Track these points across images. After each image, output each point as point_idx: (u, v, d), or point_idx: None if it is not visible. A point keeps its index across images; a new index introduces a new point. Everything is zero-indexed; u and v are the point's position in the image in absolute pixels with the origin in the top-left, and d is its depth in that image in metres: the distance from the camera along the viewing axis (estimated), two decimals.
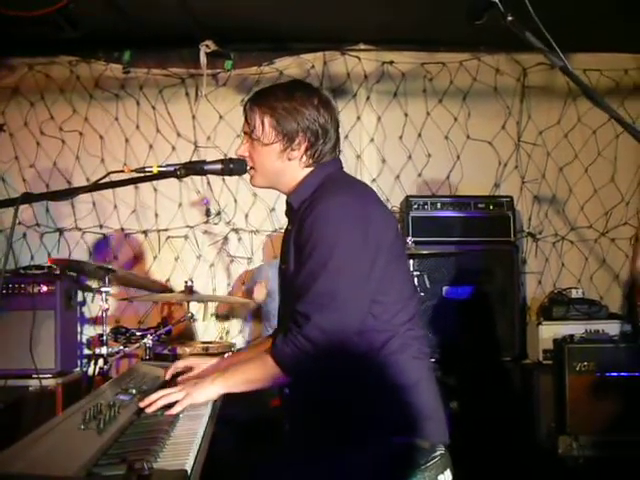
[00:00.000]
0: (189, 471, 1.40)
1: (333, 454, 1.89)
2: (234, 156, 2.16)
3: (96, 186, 1.87)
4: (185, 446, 1.58)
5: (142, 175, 1.94)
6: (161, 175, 1.96)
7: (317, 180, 2.07)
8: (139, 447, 1.53)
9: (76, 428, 1.62)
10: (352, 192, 2.01)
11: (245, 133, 2.13)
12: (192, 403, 1.93)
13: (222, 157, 2.13)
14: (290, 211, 2.15)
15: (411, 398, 1.94)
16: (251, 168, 2.12)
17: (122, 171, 1.93)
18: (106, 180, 1.87)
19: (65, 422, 1.69)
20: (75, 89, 5.07)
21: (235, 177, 4.89)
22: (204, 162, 2.04)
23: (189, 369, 2.30)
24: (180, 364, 2.34)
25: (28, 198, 1.72)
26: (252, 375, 1.98)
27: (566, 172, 5.24)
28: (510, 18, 1.71)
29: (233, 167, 2.07)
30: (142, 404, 1.91)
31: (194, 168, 2.01)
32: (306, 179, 2.09)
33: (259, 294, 4.42)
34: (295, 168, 2.09)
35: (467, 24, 1.91)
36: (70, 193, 1.98)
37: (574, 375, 4.17)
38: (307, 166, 2.09)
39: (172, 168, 1.97)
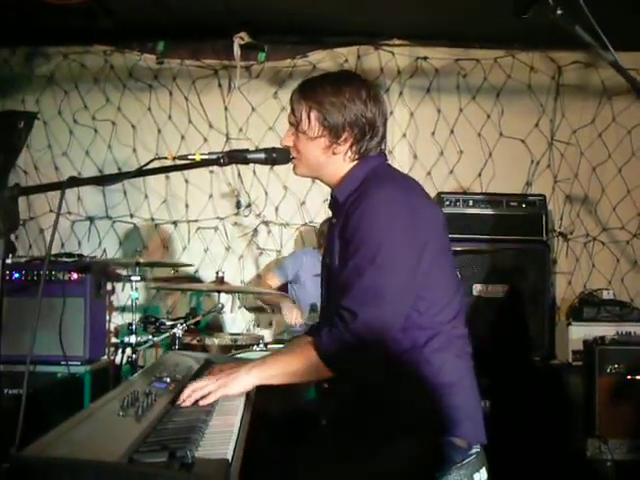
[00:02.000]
0: (230, 460, 1.40)
1: (376, 444, 1.88)
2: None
3: (140, 172, 1.86)
4: (224, 435, 1.57)
5: (184, 163, 1.94)
6: (204, 163, 1.95)
7: (362, 174, 2.05)
8: (179, 435, 1.53)
9: (115, 414, 1.62)
10: (399, 186, 2.00)
11: (290, 123, 2.11)
12: (226, 394, 1.90)
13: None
14: (335, 205, 2.13)
15: (452, 397, 1.93)
16: (295, 158, 2.11)
17: (166, 158, 1.93)
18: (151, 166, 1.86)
19: (103, 408, 1.69)
20: (109, 79, 5.10)
21: (266, 169, 4.94)
22: (247, 151, 2.03)
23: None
24: (216, 370, 2.22)
25: (75, 182, 1.72)
26: (292, 368, 1.95)
27: (599, 172, 5.17)
28: (560, 12, 1.68)
29: (276, 157, 2.05)
30: (178, 402, 1.85)
31: (237, 157, 2.00)
32: (351, 173, 2.07)
33: (294, 318, 4.34)
34: (340, 162, 2.07)
35: (509, 17, 1.89)
36: (116, 178, 1.98)
37: (604, 377, 4.11)
38: (352, 160, 2.07)
39: (215, 156, 1.96)
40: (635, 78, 1.58)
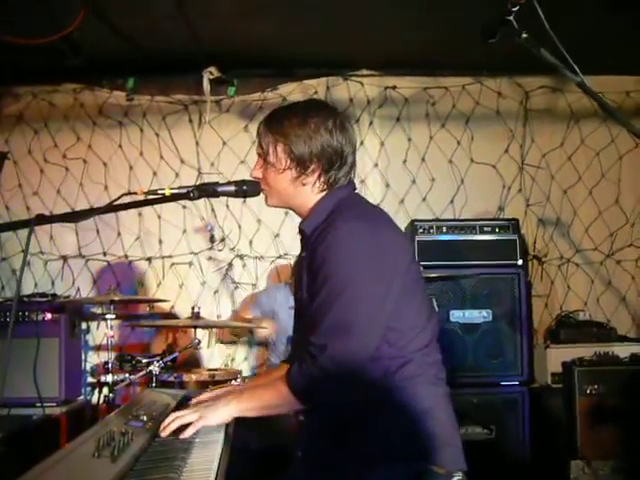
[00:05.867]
0: None
1: (352, 475, 1.86)
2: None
3: (111, 208, 1.85)
4: (203, 473, 1.55)
5: (155, 197, 1.93)
6: (174, 197, 1.94)
7: (329, 206, 2.04)
8: (155, 475, 1.50)
9: (89, 456, 1.58)
10: (364, 218, 1.99)
11: (259, 155, 2.11)
12: (205, 425, 1.91)
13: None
14: (303, 237, 2.12)
15: (426, 424, 1.92)
16: (265, 189, 2.10)
17: (135, 193, 1.92)
18: (120, 202, 1.85)
19: (77, 450, 1.64)
20: (79, 116, 5.08)
21: (239, 203, 4.93)
22: (217, 184, 2.03)
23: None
24: (194, 402, 2.24)
25: (43, 220, 1.69)
26: (267, 401, 1.97)
27: (570, 194, 5.23)
28: (525, 35, 1.71)
29: (247, 189, 2.05)
30: (159, 431, 1.89)
31: (207, 190, 1.99)
32: (318, 205, 2.06)
33: (268, 330, 4.38)
34: (308, 193, 2.07)
35: (477, 45, 1.91)
36: (85, 214, 1.95)
37: (584, 398, 4.11)
38: (321, 191, 2.06)
39: (185, 190, 1.96)
40: (602, 97, 1.59)
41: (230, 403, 1.96)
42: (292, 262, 4.99)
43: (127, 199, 1.88)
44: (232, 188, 2.05)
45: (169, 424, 1.91)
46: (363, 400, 1.92)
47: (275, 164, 2.04)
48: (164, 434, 1.89)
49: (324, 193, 2.07)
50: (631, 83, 5.20)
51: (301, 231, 2.12)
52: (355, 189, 2.14)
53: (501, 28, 1.73)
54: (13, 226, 1.78)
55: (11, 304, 4.52)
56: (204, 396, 2.25)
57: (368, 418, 1.93)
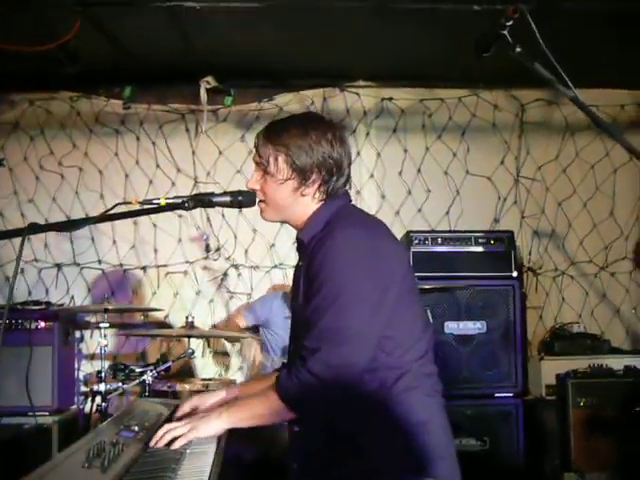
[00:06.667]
0: None
1: None
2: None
3: (104, 217, 1.84)
4: None
5: (150, 207, 1.93)
6: (169, 207, 1.94)
7: (327, 215, 2.04)
8: None
9: (79, 467, 1.57)
10: (362, 226, 2.00)
11: (257, 164, 2.10)
12: (197, 437, 1.90)
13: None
14: (300, 247, 2.12)
15: (422, 437, 1.91)
16: (261, 201, 2.10)
17: (130, 203, 1.92)
18: (114, 211, 1.85)
19: (67, 460, 1.64)
20: (75, 124, 5.08)
21: (235, 212, 4.92)
22: (213, 194, 2.02)
23: (196, 408, 2.22)
24: (186, 406, 2.23)
25: (35, 228, 1.69)
26: (257, 410, 1.95)
27: (565, 207, 5.25)
28: (518, 49, 1.72)
29: (242, 199, 2.04)
30: (151, 443, 1.87)
31: (202, 200, 1.99)
32: (316, 214, 2.06)
33: (255, 355, 4.40)
34: (307, 203, 2.07)
35: (473, 58, 1.92)
36: (78, 224, 1.95)
37: (578, 411, 4.12)
38: (319, 201, 2.07)
39: (180, 200, 1.96)
40: (594, 112, 1.60)
41: (222, 415, 1.95)
42: (287, 272, 5.00)
43: (122, 208, 1.88)
44: (227, 199, 2.04)
45: (161, 437, 1.89)
46: (357, 412, 1.91)
47: (276, 175, 2.04)
48: (156, 446, 1.87)
49: (322, 203, 2.07)
50: (626, 97, 5.23)
51: (299, 240, 2.12)
52: (351, 200, 2.15)
53: (495, 42, 1.74)
54: (6, 234, 1.78)
55: (3, 312, 4.50)
56: (186, 406, 2.23)
57: (363, 431, 1.92)
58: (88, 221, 1.91)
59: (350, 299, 1.86)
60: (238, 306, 5.07)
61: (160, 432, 1.91)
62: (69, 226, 1.90)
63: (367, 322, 1.87)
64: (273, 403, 1.91)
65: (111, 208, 1.86)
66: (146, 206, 1.95)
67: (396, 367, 1.93)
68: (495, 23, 1.72)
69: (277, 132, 2.06)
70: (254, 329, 4.65)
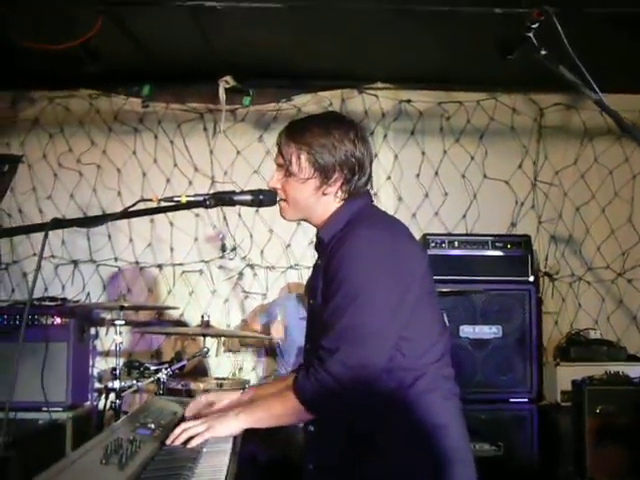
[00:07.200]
0: None
1: None
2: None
3: (126, 214, 1.85)
4: None
5: (170, 204, 1.93)
6: (189, 205, 1.94)
7: (348, 214, 2.04)
8: None
9: (97, 463, 1.58)
10: (382, 226, 1.99)
11: (278, 165, 2.09)
12: (214, 436, 1.90)
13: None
14: (320, 245, 2.11)
15: (440, 440, 1.90)
16: (282, 200, 2.09)
17: (150, 200, 1.92)
18: (136, 208, 1.85)
19: (85, 456, 1.64)
20: (94, 122, 5.10)
21: (251, 212, 4.93)
22: (234, 192, 2.02)
23: (211, 404, 2.24)
24: (203, 399, 2.26)
25: (58, 224, 1.69)
26: (275, 411, 1.95)
27: (583, 212, 5.21)
28: (544, 52, 1.70)
29: (263, 198, 2.04)
30: (168, 441, 1.88)
31: (223, 198, 1.99)
32: (337, 213, 2.06)
33: (277, 332, 4.40)
34: (329, 202, 2.06)
35: (492, 61, 1.91)
36: (100, 220, 1.95)
37: (594, 418, 4.09)
38: (341, 200, 2.06)
39: (201, 198, 1.96)
40: (618, 113, 1.59)
41: (239, 414, 1.94)
42: (303, 273, 4.99)
43: (142, 205, 1.88)
44: (248, 197, 2.04)
45: (178, 436, 1.89)
46: (375, 411, 1.90)
47: (298, 174, 2.03)
48: (173, 444, 1.87)
49: (343, 202, 2.07)
50: None
51: (319, 238, 2.12)
52: (372, 200, 2.15)
53: (520, 45, 1.73)
54: (28, 229, 1.78)
55: (21, 307, 4.53)
56: (202, 399, 2.24)
57: (381, 433, 1.91)
58: (110, 217, 1.92)
59: (369, 299, 1.85)
60: (253, 309, 5.07)
61: (177, 430, 1.91)
62: (91, 222, 1.90)
63: (386, 322, 1.87)
64: (291, 404, 1.90)
65: (133, 205, 1.86)
66: (166, 203, 1.95)
67: (413, 368, 1.92)
68: (520, 25, 1.70)
69: (300, 131, 2.06)
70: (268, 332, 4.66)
